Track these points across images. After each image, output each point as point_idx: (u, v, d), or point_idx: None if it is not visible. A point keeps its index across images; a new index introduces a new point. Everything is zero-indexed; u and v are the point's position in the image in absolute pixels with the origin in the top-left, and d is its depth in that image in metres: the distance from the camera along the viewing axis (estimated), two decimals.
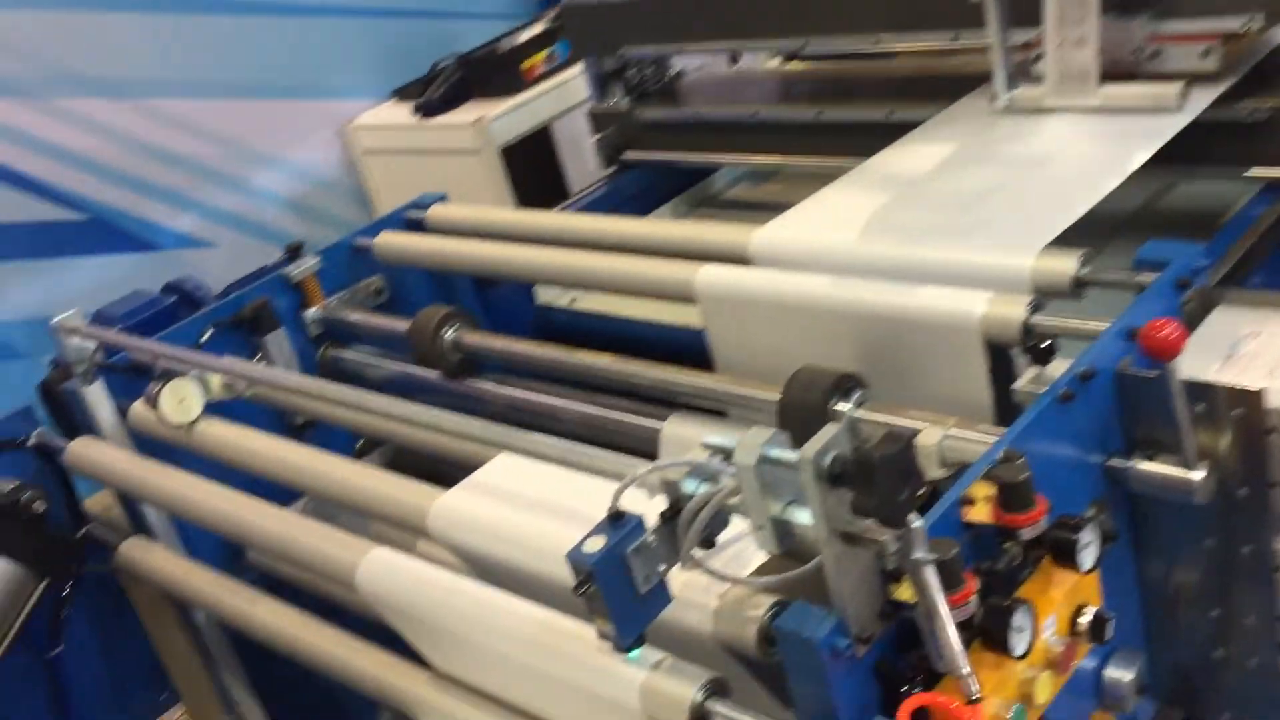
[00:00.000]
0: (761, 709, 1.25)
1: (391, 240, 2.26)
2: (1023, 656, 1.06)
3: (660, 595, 1.13)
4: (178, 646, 2.23)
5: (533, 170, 3.74)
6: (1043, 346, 1.28)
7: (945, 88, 2.23)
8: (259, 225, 3.97)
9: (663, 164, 2.74)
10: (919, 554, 1.01)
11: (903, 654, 1.08)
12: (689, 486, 1.12)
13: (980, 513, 1.14)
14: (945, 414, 1.46)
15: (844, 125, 2.34)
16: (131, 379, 2.05)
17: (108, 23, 3.60)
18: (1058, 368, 1.31)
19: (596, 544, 1.08)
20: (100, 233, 3.67)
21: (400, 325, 2.14)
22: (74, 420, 2.08)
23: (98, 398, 2.01)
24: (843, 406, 1.49)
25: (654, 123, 2.68)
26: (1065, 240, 1.55)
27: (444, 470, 1.85)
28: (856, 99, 2.35)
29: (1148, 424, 1.33)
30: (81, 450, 1.98)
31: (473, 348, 2.00)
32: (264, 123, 3.92)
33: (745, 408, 1.64)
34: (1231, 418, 1.27)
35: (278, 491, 1.88)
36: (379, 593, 1.42)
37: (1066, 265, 1.49)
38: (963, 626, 1.05)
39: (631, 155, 2.73)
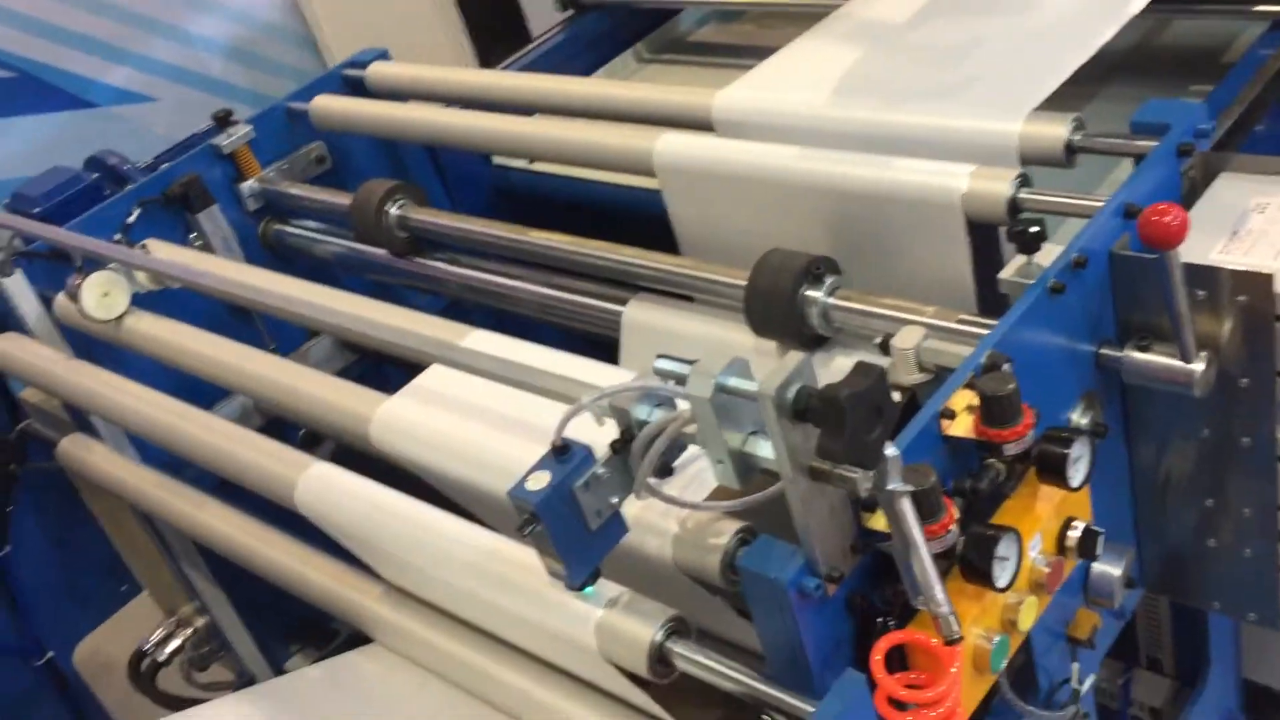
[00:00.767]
0: (728, 627, 1.19)
1: (329, 105, 2.09)
2: (1007, 588, 0.98)
3: (614, 528, 1.04)
4: (134, 538, 2.15)
5: (492, 15, 3.50)
6: (1030, 232, 1.16)
7: None
8: (201, 76, 3.74)
9: (623, 5, 2.55)
10: (894, 484, 0.91)
11: (877, 587, 1.00)
12: (641, 413, 1.01)
13: (961, 427, 1.04)
14: (923, 301, 1.36)
15: None
16: (57, 267, 1.91)
17: None
18: (1046, 254, 1.19)
19: (540, 480, 0.99)
20: (29, 90, 3.45)
21: (343, 198, 1.99)
22: None
23: (19, 289, 1.88)
24: (814, 293, 1.38)
25: None
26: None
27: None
28: None
29: (1143, 310, 1.22)
30: (4, 348, 1.85)
31: (420, 225, 1.86)
32: None
33: (710, 293, 1.52)
34: (1235, 304, 1.16)
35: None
36: (320, 512, 1.33)
37: (1057, 130, 1.35)
38: (942, 556, 0.97)
39: None
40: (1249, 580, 1.34)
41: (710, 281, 1.50)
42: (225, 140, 2.05)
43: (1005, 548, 0.97)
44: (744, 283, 1.42)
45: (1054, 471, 1.03)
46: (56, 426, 2.00)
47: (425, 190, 2.05)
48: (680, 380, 0.98)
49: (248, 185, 2.09)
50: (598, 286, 1.68)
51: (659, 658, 1.02)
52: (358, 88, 2.18)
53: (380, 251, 1.96)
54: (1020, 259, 1.20)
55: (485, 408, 1.31)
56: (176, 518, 1.69)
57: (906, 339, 1.16)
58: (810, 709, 0.95)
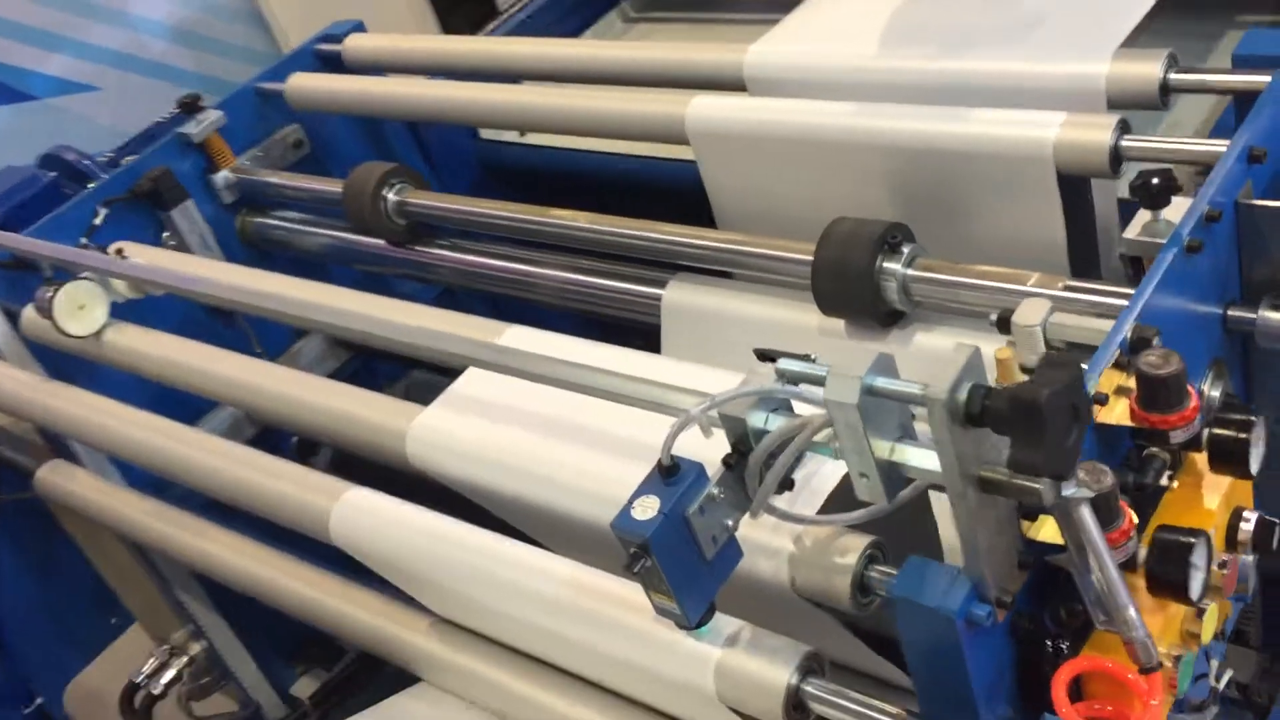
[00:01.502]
0: (840, 649, 1.06)
1: (305, 83, 1.91)
2: (1200, 599, 0.86)
3: (729, 555, 0.90)
4: (122, 566, 1.98)
5: None
6: (1158, 184, 1.03)
7: None
8: (147, 62, 3.51)
9: None
10: (1071, 490, 0.78)
11: (1045, 606, 0.87)
12: (757, 421, 0.87)
13: (1115, 413, 0.91)
14: (1013, 266, 1.22)
15: None
16: (20, 277, 1.73)
17: None
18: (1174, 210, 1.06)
19: (649, 507, 0.84)
20: None
21: (330, 185, 1.83)
22: None
23: None
24: (892, 265, 1.24)
25: None
26: None
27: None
28: None
29: (1274, 265, 1.10)
30: None
31: (421, 210, 1.70)
32: None
33: (765, 270, 1.38)
34: None
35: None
36: (360, 543, 1.18)
37: (1150, 69, 1.22)
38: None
39: None
40: None
41: (766, 257, 1.35)
42: (195, 128, 1.88)
43: (1199, 555, 0.84)
44: (807, 257, 1.28)
45: (1233, 459, 0.90)
46: (31, 453, 1.83)
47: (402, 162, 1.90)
48: (809, 382, 0.84)
49: (222, 176, 1.92)
50: (630, 268, 1.54)
51: (796, 703, 0.88)
52: (333, 63, 2.00)
53: (375, 241, 1.80)
54: (1145, 215, 1.07)
55: (537, 414, 1.16)
56: (178, 549, 1.52)
57: (1031, 314, 1.02)
58: None
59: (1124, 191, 1.29)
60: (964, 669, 0.82)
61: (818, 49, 1.47)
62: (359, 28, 2.02)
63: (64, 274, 1.57)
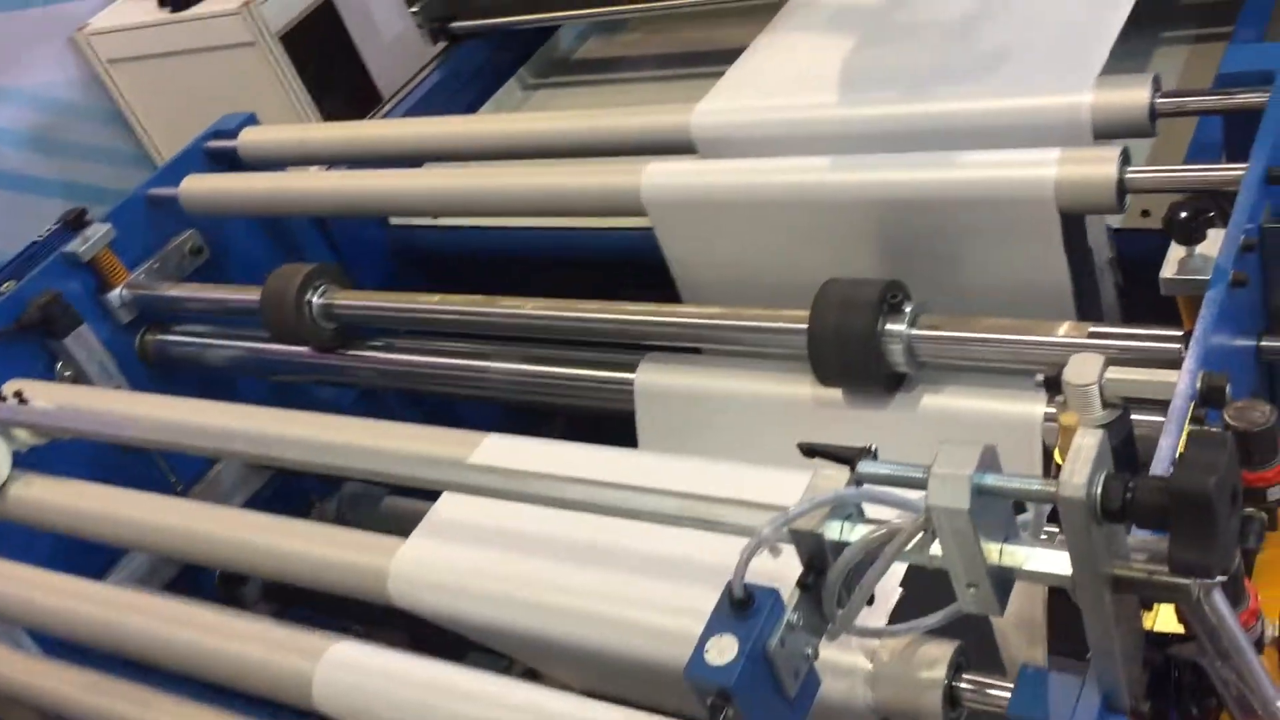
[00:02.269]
0: None
1: (201, 185, 1.76)
2: None
3: (810, 687, 0.78)
4: None
5: (323, 59, 3.16)
6: (1194, 219, 0.96)
7: None
8: (3, 174, 3.27)
9: (496, 29, 2.27)
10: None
11: (1174, 703, 0.77)
12: (833, 532, 0.76)
13: None
14: (1019, 315, 1.15)
15: None
16: None
17: None
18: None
19: (726, 650, 0.73)
20: None
21: (238, 293, 1.68)
22: None
23: None
24: (895, 326, 1.15)
25: None
26: None
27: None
28: None
29: None
30: None
31: (351, 312, 1.55)
32: None
33: (748, 344, 1.27)
34: None
35: None
36: (353, 709, 1.02)
37: (1137, 95, 1.16)
38: None
39: (461, 25, 2.25)
40: None
41: (755, 330, 1.25)
42: (82, 245, 1.70)
43: None
44: (800, 325, 1.18)
45: None
46: None
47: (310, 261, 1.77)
48: (899, 485, 0.73)
49: (116, 294, 1.74)
50: (592, 353, 1.42)
51: None
52: (228, 160, 1.85)
53: (296, 348, 1.65)
54: (1179, 251, 1.00)
55: (535, 534, 1.04)
56: None
57: (1085, 371, 0.94)
58: None
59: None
60: None
61: (770, 102, 1.39)
62: (251, 120, 1.87)
63: None
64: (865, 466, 0.75)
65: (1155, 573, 0.67)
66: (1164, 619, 0.76)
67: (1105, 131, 1.18)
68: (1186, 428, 0.85)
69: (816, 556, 0.77)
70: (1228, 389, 0.87)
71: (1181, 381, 0.88)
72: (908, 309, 1.15)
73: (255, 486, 1.87)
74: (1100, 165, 1.10)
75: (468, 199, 1.50)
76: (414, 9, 2.24)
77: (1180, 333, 1.02)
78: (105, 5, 3.38)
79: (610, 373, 1.39)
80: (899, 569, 0.83)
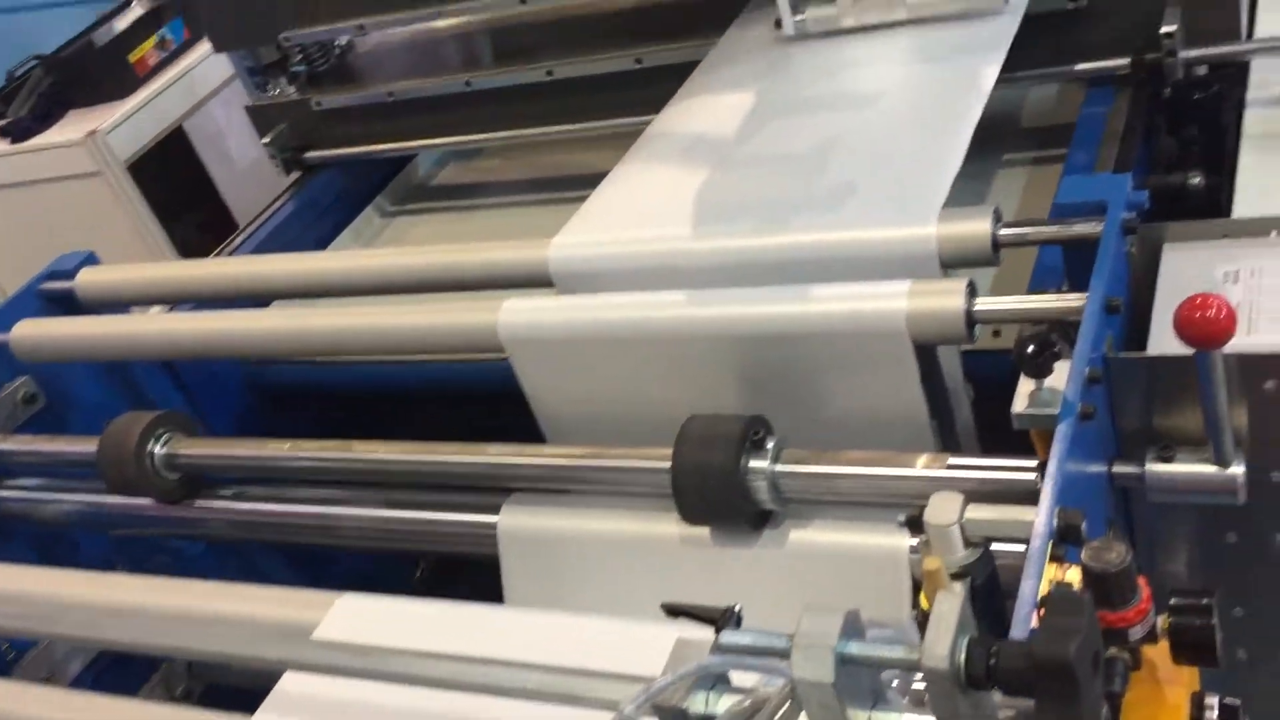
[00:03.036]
0: None
1: (33, 331, 1.67)
2: None
3: None
4: None
5: (174, 188, 3.08)
6: (1042, 354, 0.97)
7: (698, 15, 1.88)
8: None
9: (352, 159, 2.25)
10: None
11: None
12: (699, 704, 0.73)
13: None
14: (873, 444, 1.15)
15: (580, 81, 1.95)
16: None
17: None
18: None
19: None
20: None
21: (77, 444, 1.58)
22: None
23: None
24: (759, 463, 1.13)
25: (335, 111, 2.17)
26: None
27: None
28: (591, 46, 1.95)
29: (1144, 416, 1.06)
30: None
31: (197, 461, 1.48)
32: None
33: (610, 484, 1.25)
34: (1262, 391, 1.02)
35: None
36: None
37: (980, 227, 1.19)
38: None
39: (314, 155, 2.22)
40: None
41: (616, 470, 1.22)
42: None
43: None
44: (663, 464, 1.16)
45: (1201, 650, 0.82)
46: None
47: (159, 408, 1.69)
48: (764, 655, 0.70)
49: None
50: (454, 496, 1.37)
51: None
52: (65, 302, 1.77)
53: (139, 500, 1.56)
54: (1028, 385, 1.01)
55: (394, 711, 0.97)
56: None
57: (945, 512, 0.93)
58: None
59: None
60: None
61: (626, 235, 1.38)
62: (90, 260, 1.80)
63: None
64: (728, 636, 0.72)
65: None
66: None
67: (952, 261, 1.21)
68: (1047, 569, 0.85)
69: None
70: (1083, 526, 0.87)
71: (1038, 520, 0.88)
72: (770, 445, 1.14)
73: (90, 655, 1.74)
74: (949, 298, 1.11)
75: (320, 340, 1.45)
76: (266, 140, 2.20)
77: (1035, 463, 1.02)
78: None
79: (473, 516, 1.34)
80: None
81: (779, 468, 1.13)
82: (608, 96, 1.92)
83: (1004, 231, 1.18)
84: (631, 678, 0.76)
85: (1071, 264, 1.21)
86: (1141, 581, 0.83)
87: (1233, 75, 1.61)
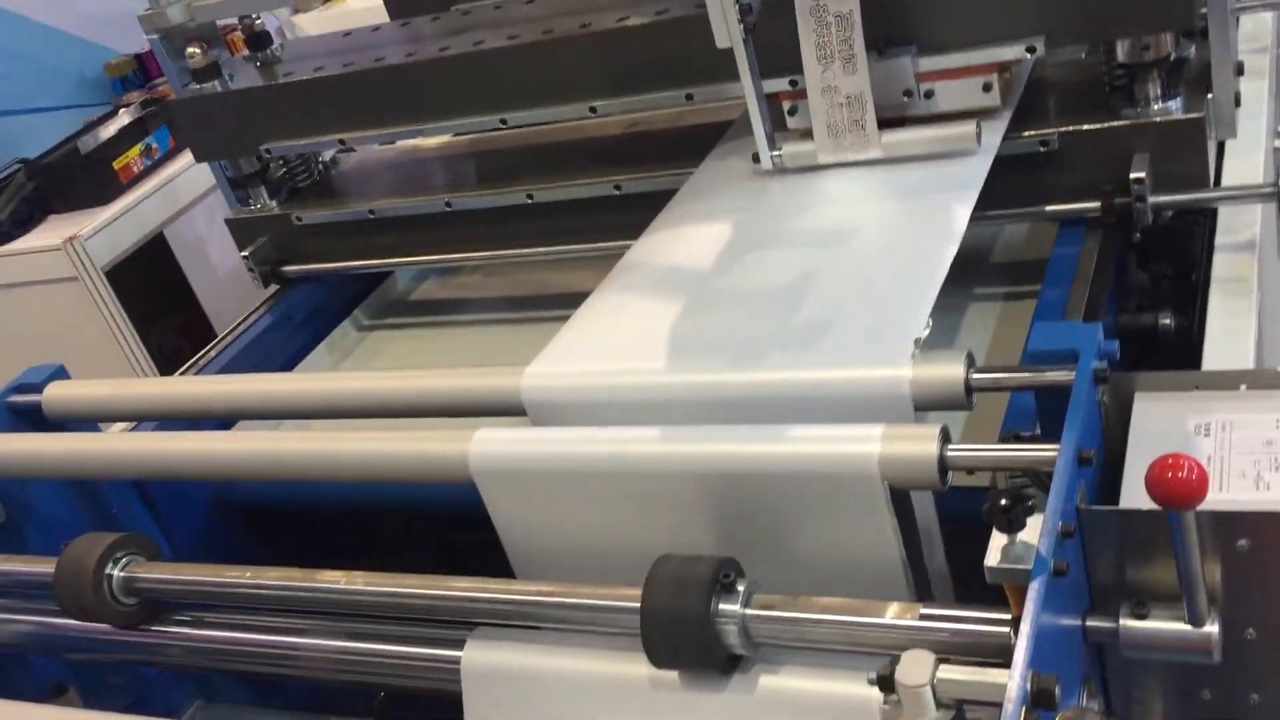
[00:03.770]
0: None
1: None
2: None
3: None
4: None
5: (153, 293, 3.09)
6: (1007, 507, 0.97)
7: (676, 144, 1.92)
8: None
9: (330, 273, 2.26)
10: None
11: None
12: None
13: None
14: (845, 590, 1.13)
15: (560, 205, 1.98)
16: None
17: None
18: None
19: None
20: None
21: (36, 565, 1.54)
22: None
23: None
24: (729, 606, 1.11)
25: (316, 225, 2.19)
26: None
27: None
28: (572, 173, 1.98)
29: (1119, 570, 1.06)
30: None
31: (156, 586, 1.45)
32: None
33: (578, 623, 1.22)
34: (1235, 549, 1.01)
35: None
36: None
37: (953, 371, 1.19)
38: None
39: (293, 269, 2.23)
40: None
41: (584, 608, 1.20)
42: None
43: None
44: (632, 604, 1.14)
45: None
46: None
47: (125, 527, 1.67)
48: None
49: None
50: (420, 629, 1.34)
51: None
52: (31, 417, 1.74)
53: (97, 625, 1.52)
54: (1001, 539, 1.00)
55: None
56: None
57: (916, 672, 0.92)
58: None
59: None
60: None
61: (599, 368, 1.38)
62: (60, 374, 1.78)
63: None
64: None
65: None
66: None
67: (925, 404, 1.21)
68: None
69: None
70: (1056, 691, 0.86)
71: (1011, 684, 0.86)
72: (741, 588, 1.12)
73: None
74: (922, 444, 1.11)
75: (288, 465, 1.43)
76: (244, 254, 2.21)
77: (1009, 616, 1.01)
78: None
79: (437, 650, 1.31)
80: None
81: (749, 612, 1.11)
82: (587, 220, 1.94)
83: (977, 376, 1.19)
84: None
85: (1044, 407, 1.21)
86: None
87: (1202, 217, 1.65)
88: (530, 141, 2.11)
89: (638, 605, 1.14)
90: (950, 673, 0.92)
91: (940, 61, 1.59)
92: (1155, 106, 1.56)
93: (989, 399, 1.32)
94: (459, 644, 1.29)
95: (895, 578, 1.19)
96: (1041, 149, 1.61)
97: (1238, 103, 1.58)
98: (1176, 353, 1.58)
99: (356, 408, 1.50)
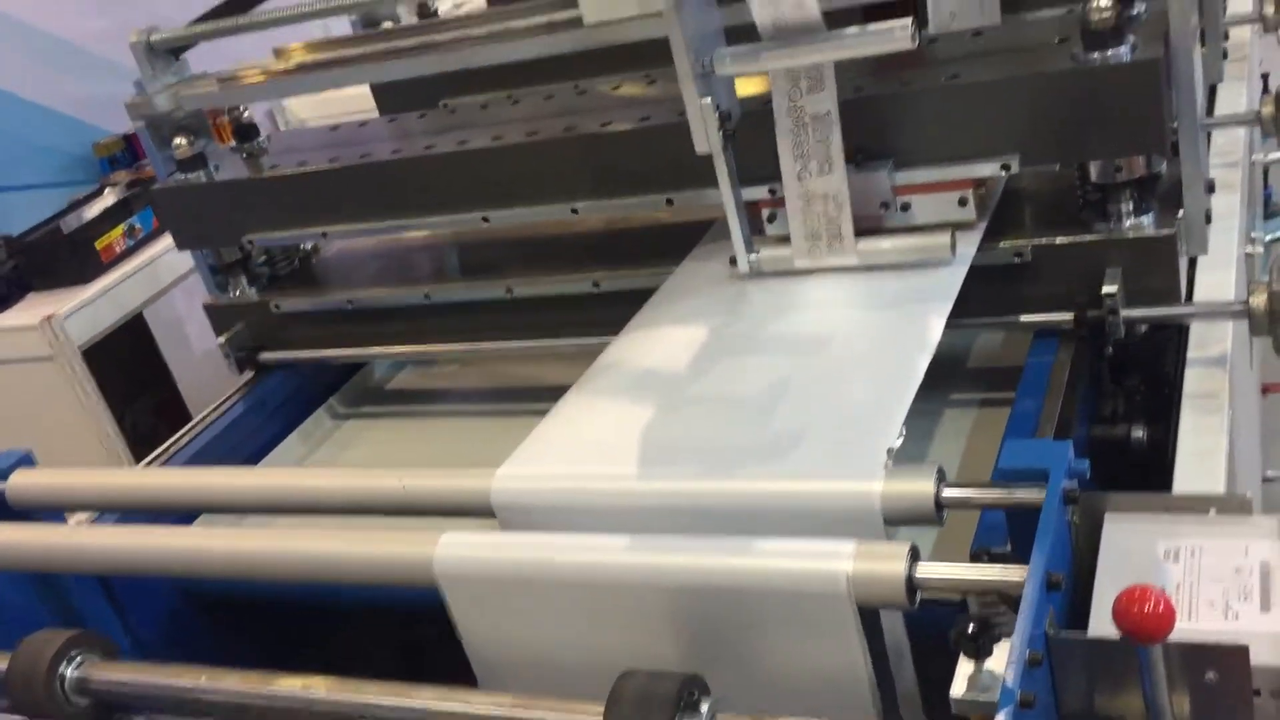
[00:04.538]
0: None
1: None
2: None
3: None
4: None
5: (129, 373, 3.07)
6: (981, 637, 0.96)
7: (657, 241, 1.93)
8: None
9: (312, 362, 2.25)
10: None
11: None
12: None
13: None
14: (819, 704, 1.12)
15: (539, 300, 1.98)
16: None
17: None
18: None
19: None
20: None
21: None
22: None
23: None
24: None
25: (294, 314, 2.18)
26: None
27: None
28: (551, 269, 1.99)
29: (1103, 696, 1.04)
30: None
31: (110, 688, 1.41)
32: None
33: None
34: (1203, 682, 1.00)
35: None
36: None
37: (923, 487, 1.19)
38: None
39: (270, 356, 2.22)
40: None
41: None
42: None
43: None
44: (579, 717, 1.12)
45: None
46: None
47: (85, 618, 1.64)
48: None
49: None
50: None
51: None
52: None
53: None
54: (968, 666, 0.98)
55: None
56: None
57: None
58: None
59: None
60: None
61: (570, 471, 1.37)
62: (26, 460, 1.76)
63: None
64: None
65: None
66: None
67: (895, 519, 1.20)
68: None
69: None
70: None
71: None
72: (705, 707, 1.10)
73: None
74: (890, 562, 1.10)
75: (251, 564, 1.41)
76: (221, 339, 2.20)
77: None
78: None
79: None
80: None
81: None
82: (566, 315, 1.95)
83: (947, 493, 1.18)
84: None
85: (1015, 525, 1.21)
86: None
87: (1174, 331, 1.66)
88: (511, 235, 2.12)
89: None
90: None
91: (916, 175, 1.61)
92: (1128, 222, 1.57)
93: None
94: None
95: (862, 697, 1.17)
96: (1016, 260, 1.62)
97: (1209, 219, 1.60)
98: (1148, 466, 1.58)
99: (322, 504, 1.48)
